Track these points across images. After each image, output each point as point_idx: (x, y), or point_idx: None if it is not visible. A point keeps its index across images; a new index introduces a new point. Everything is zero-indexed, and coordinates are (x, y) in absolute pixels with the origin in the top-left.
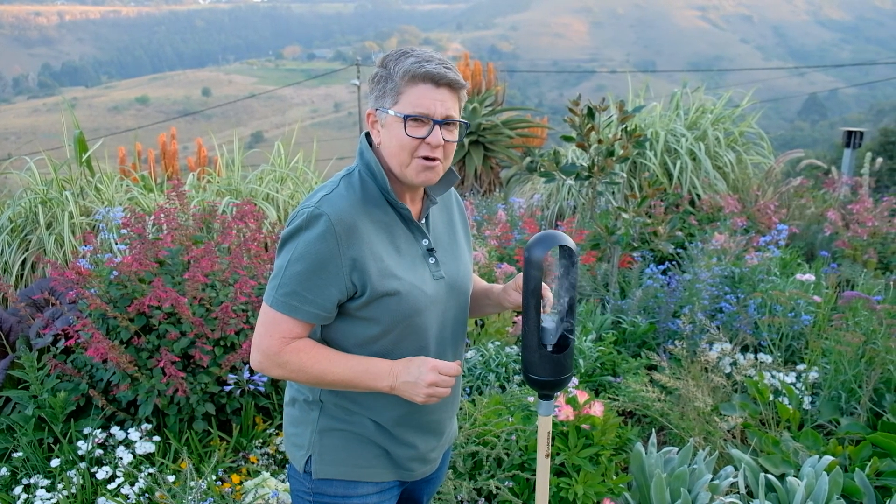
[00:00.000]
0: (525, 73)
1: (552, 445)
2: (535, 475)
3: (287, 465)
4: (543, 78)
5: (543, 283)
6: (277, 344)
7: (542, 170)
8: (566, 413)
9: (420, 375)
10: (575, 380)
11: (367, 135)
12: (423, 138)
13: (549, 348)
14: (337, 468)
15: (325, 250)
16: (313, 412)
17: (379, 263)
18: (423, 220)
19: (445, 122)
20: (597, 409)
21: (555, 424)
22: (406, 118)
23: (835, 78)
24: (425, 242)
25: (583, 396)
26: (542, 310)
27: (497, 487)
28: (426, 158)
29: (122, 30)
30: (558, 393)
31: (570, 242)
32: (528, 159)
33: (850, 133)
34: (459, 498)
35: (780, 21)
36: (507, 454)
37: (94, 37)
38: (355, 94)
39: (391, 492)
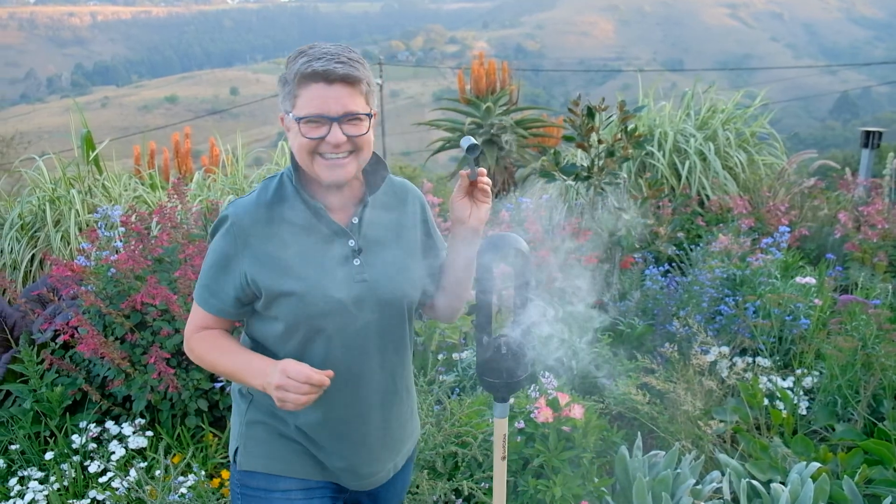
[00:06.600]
0: (551, 73)
1: (532, 447)
2: (513, 476)
3: None
4: (570, 77)
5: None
6: (191, 330)
7: (542, 170)
8: (545, 415)
9: (272, 377)
10: (555, 381)
11: None
12: (323, 138)
13: (503, 350)
14: (258, 460)
15: (225, 248)
16: (244, 404)
17: (276, 263)
18: (357, 221)
19: (344, 118)
20: (577, 411)
21: (536, 426)
22: (299, 120)
23: (867, 76)
24: (351, 243)
25: (564, 398)
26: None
27: (471, 488)
28: (332, 157)
29: (153, 30)
30: (511, 398)
31: (523, 246)
32: (542, 159)
33: (867, 133)
34: (435, 498)
35: (812, 19)
36: (488, 454)
37: (125, 37)
38: (379, 92)
39: (321, 492)
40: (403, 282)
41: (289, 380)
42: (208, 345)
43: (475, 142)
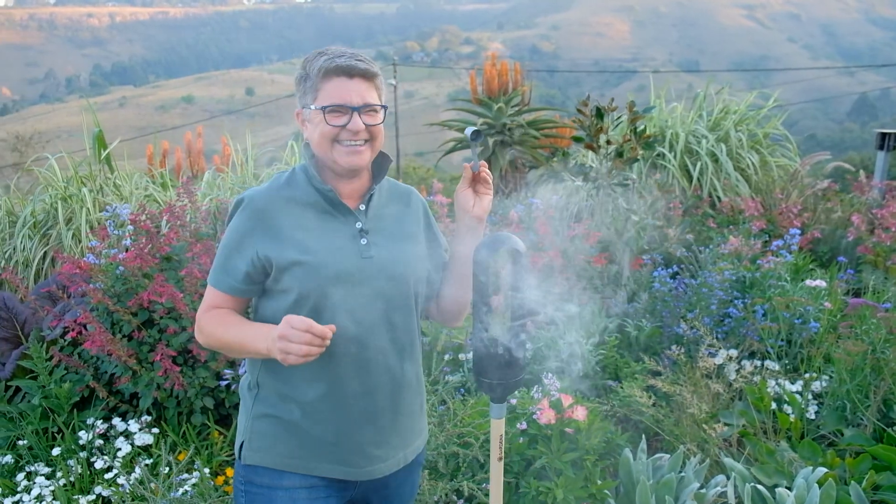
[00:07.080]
0: (566, 74)
1: (535, 448)
2: (515, 478)
3: None
4: (584, 78)
5: (492, 287)
6: (202, 311)
7: (551, 170)
8: (548, 416)
9: (275, 330)
10: (557, 382)
11: None
12: (344, 126)
13: (500, 351)
14: (262, 455)
15: (240, 226)
16: (250, 399)
17: (287, 237)
18: (364, 206)
19: (364, 108)
20: (579, 413)
21: (539, 427)
22: (324, 110)
23: (886, 78)
24: (358, 225)
25: (567, 400)
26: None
27: (472, 489)
28: (350, 144)
29: (170, 30)
30: (513, 399)
31: (520, 245)
32: (552, 160)
33: (883, 135)
34: (436, 499)
35: (830, 19)
36: (490, 455)
37: (142, 37)
38: (392, 93)
39: (325, 490)
40: (409, 260)
41: (292, 329)
42: (216, 321)
43: (477, 127)
